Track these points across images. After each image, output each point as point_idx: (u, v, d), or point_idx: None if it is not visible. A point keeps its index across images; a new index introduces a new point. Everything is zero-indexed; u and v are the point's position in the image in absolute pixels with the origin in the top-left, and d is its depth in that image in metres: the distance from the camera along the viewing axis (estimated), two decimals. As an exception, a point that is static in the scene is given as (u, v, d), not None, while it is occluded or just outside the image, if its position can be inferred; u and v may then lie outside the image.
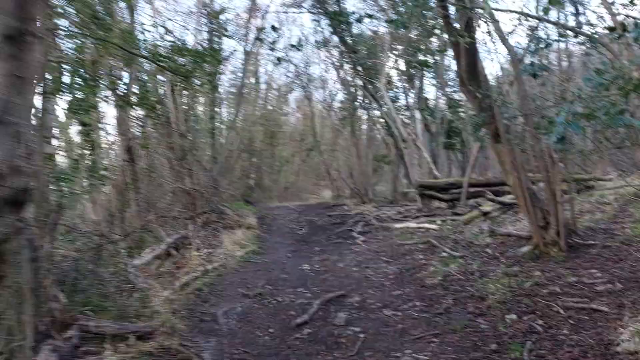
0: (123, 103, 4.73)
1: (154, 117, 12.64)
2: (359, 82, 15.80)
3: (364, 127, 19.63)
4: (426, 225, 8.91)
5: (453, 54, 6.15)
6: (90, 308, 4.64)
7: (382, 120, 16.21)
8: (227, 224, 10.94)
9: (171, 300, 4.96)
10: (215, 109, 19.75)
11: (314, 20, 14.32)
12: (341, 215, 12.69)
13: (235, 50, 19.80)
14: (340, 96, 20.11)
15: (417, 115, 13.03)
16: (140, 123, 10.89)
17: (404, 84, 17.38)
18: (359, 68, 14.35)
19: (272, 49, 9.27)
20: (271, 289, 5.76)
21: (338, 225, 11.22)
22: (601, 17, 7.04)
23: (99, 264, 5.63)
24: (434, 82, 18.76)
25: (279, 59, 7.09)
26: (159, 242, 8.78)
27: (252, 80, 28.03)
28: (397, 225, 9.54)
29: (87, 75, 4.79)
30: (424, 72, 18.02)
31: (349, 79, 17.33)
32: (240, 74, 18.50)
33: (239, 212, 12.78)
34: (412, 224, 9.30)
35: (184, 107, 14.75)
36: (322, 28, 14.72)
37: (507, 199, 8.65)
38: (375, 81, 13.83)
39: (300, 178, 31.42)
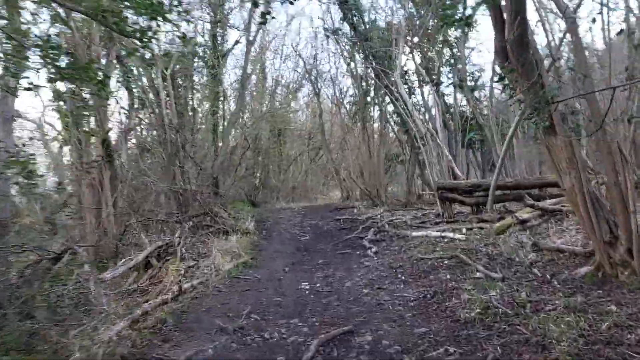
0: (54, 73, 3.52)
1: (141, 107, 11.51)
2: (371, 74, 14.49)
3: (376, 124, 18.28)
4: (450, 234, 7.56)
5: (492, 19, 4.81)
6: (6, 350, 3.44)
7: (395, 115, 14.87)
8: (221, 229, 9.72)
9: (119, 338, 3.71)
10: (219, 104, 18.62)
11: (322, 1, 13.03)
12: (350, 219, 11.39)
13: (238, 42, 18.48)
14: (351, 91, 18.80)
15: (436, 111, 11.65)
16: (124, 113, 9.75)
17: (421, 77, 15.98)
18: (371, 58, 13.03)
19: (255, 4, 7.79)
20: (258, 319, 4.48)
21: (346, 231, 9.92)
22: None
23: (41, 284, 4.42)
24: (451, 76, 17.40)
25: (263, 15, 5.74)
26: (140, 251, 7.59)
27: (259, 75, 26.92)
28: (415, 234, 8.21)
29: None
30: (442, 67, 16.65)
31: (360, 71, 16.02)
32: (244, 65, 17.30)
33: (237, 215, 11.56)
34: (432, 232, 7.97)
35: (179, 99, 13.59)
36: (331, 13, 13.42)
37: (547, 204, 7.28)
38: (389, 72, 12.50)
39: (308, 178, 30.21)
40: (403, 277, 5.73)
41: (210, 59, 17.72)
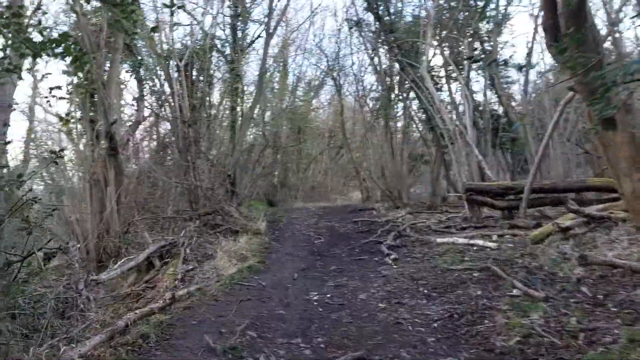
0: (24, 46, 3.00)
1: (157, 101, 11.15)
2: (396, 68, 13.73)
3: (400, 122, 17.47)
4: (479, 241, 6.77)
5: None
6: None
7: (421, 112, 14.07)
8: (231, 229, 9.18)
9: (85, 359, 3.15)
10: (238, 100, 18.17)
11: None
12: (369, 221, 10.67)
13: (260, 36, 17.96)
14: (374, 88, 18.04)
15: (466, 106, 10.77)
16: (133, 104, 9.34)
17: (449, 72, 15.07)
18: (397, 50, 12.28)
19: None
20: (255, 336, 3.86)
21: (364, 234, 9.23)
22: None
23: (7, 289, 3.91)
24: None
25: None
26: (142, 250, 7.12)
27: (280, 71, 26.43)
28: (440, 240, 7.45)
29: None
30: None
31: (384, 65, 15.26)
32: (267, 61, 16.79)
33: (249, 214, 11.01)
34: (459, 239, 7.19)
35: (195, 93, 13.17)
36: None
37: (594, 210, 6.42)
38: (415, 65, 11.73)
39: (328, 177, 29.59)
40: (426, 291, 5.02)
41: (230, 53, 17.30)
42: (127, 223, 7.46)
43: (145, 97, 10.10)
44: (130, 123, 9.51)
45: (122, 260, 6.59)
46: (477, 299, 4.44)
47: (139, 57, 9.62)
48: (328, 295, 5.18)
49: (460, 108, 13.36)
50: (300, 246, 8.44)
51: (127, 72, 9.36)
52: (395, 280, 5.58)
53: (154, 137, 11.76)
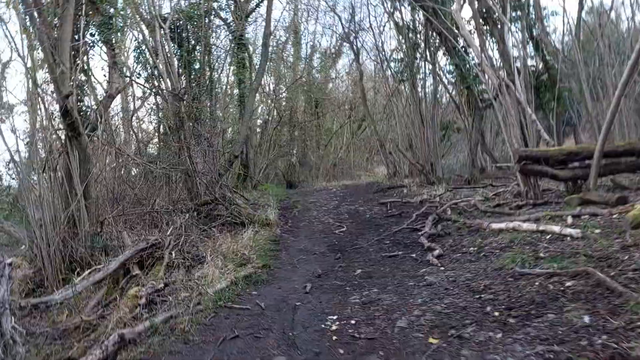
0: None
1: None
2: (420, 19, 11.75)
3: (428, 86, 15.43)
4: (554, 227, 5.01)
5: None
6: None
7: (453, 68, 12.07)
8: (234, 221, 7.70)
9: None
10: (245, 72, 16.48)
11: None
12: (399, 202, 9.01)
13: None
14: (396, 48, 15.95)
15: (513, 53, 8.72)
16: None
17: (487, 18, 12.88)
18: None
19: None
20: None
21: (395, 219, 7.60)
22: None
23: None
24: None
25: None
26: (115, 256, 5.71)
27: (292, 40, 24.54)
28: (496, 225, 5.73)
29: None
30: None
31: (407, 18, 13.23)
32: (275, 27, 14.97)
33: (259, 199, 9.50)
34: (522, 223, 5.45)
35: (190, 64, 11.58)
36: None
37: None
38: (445, 10, 9.76)
39: (350, 153, 27.87)
40: (496, 313, 3.36)
41: (233, 19, 15.55)
42: (99, 222, 6.03)
43: (120, 66, 8.58)
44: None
45: (87, 272, 5.19)
46: (589, 335, 2.77)
47: (108, 14, 7.99)
48: (352, 322, 3.60)
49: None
50: (317, 238, 6.88)
51: (92, 34, 7.80)
52: (445, 293, 3.94)
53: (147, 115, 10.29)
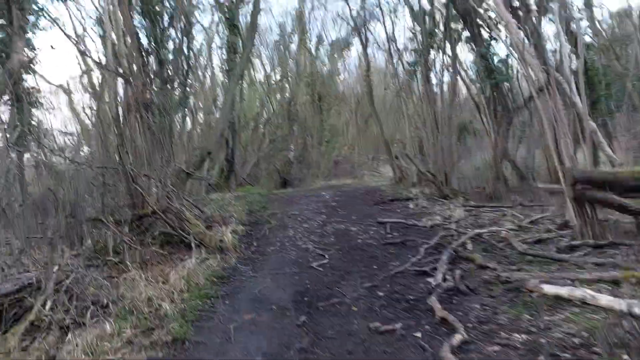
0: None
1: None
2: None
3: (445, 79, 13.25)
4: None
5: None
6: None
7: (480, 59, 9.96)
8: (181, 239, 5.71)
9: None
10: (236, 57, 14.43)
11: None
12: (403, 224, 6.97)
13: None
14: (409, 36, 13.89)
15: (562, 41, 6.59)
16: None
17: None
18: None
19: None
20: None
21: (395, 251, 5.57)
22: None
23: None
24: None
25: None
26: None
27: (297, 29, 22.58)
28: (551, 289, 3.67)
29: None
30: None
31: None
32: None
33: (222, 209, 7.49)
34: (599, 295, 3.39)
35: (161, 42, 9.58)
36: None
37: None
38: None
39: (355, 151, 25.86)
40: None
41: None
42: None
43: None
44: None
45: None
46: None
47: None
48: None
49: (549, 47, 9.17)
50: (284, 275, 4.86)
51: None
52: None
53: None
